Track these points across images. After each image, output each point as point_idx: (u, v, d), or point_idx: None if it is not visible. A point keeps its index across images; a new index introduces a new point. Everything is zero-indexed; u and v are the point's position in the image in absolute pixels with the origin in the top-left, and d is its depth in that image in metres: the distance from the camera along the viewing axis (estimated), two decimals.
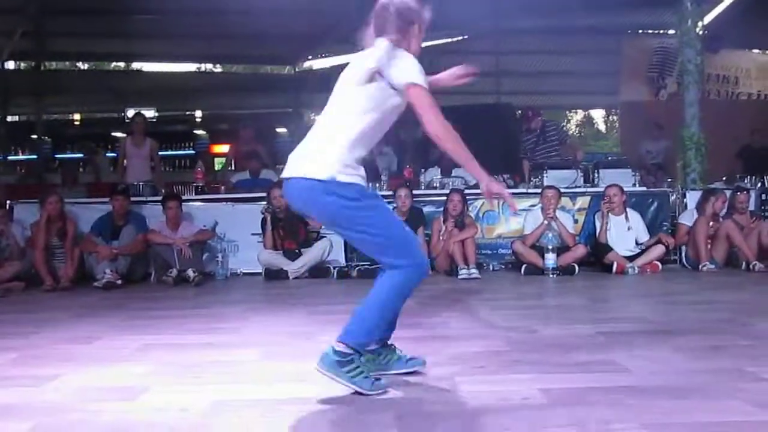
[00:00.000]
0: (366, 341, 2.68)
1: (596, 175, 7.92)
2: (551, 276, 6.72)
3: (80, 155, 12.82)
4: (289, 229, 7.16)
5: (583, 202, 7.72)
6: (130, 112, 13.09)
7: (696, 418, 2.30)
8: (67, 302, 5.73)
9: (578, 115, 33.90)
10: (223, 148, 12.32)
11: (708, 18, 11.57)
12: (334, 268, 7.12)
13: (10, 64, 16.87)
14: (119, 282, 6.59)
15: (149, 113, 14.40)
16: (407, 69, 2.66)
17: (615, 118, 25.81)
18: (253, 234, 7.49)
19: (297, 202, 2.73)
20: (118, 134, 13.44)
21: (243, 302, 5.55)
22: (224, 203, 7.83)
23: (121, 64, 21.13)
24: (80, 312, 5.13)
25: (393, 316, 2.75)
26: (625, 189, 7.26)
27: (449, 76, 3.24)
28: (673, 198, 7.94)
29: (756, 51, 14.11)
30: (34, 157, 14.97)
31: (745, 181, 8.22)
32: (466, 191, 7.30)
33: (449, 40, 16.04)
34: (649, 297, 5.59)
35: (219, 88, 17.93)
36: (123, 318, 4.77)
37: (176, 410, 2.50)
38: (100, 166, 10.90)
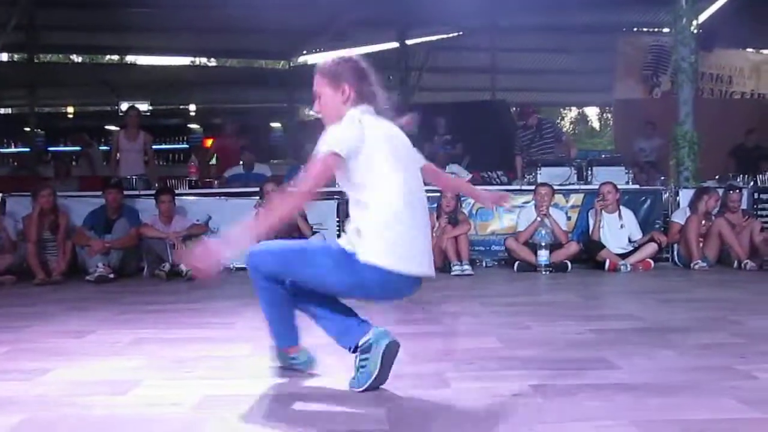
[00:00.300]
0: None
1: (590, 172, 7.94)
2: (544, 273, 6.74)
3: (74, 148, 12.77)
4: (282, 224, 7.14)
5: (576, 199, 7.73)
6: (124, 106, 13.05)
7: (687, 415, 2.31)
8: (59, 296, 5.72)
9: (572, 113, 33.94)
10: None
11: (703, 16, 11.60)
12: None
13: (3, 56, 16.82)
14: (112, 276, 6.58)
15: (143, 107, 14.38)
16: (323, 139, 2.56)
17: (609, 115, 25.89)
18: None
19: None
20: (112, 127, 13.41)
21: (236, 297, 5.54)
22: (217, 197, 7.82)
23: (115, 57, 21.01)
24: (72, 306, 5.11)
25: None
26: (618, 187, 7.29)
27: (489, 198, 3.28)
28: (666, 196, 7.97)
29: (750, 50, 14.15)
30: (27, 149, 14.92)
31: (738, 179, 8.26)
32: None
33: (444, 36, 16.05)
34: (641, 295, 5.61)
35: (213, 82, 17.92)
36: (115, 312, 4.76)
37: (168, 404, 2.49)
38: (95, 160, 10.86)
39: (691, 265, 7.04)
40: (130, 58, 19.47)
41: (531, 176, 7.94)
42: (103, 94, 17.30)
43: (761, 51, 14.30)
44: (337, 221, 7.56)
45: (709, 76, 13.12)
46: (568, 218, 7.58)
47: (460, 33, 15.72)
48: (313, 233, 7.19)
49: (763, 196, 7.92)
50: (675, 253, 7.46)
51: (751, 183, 8.14)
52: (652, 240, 7.14)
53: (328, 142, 2.50)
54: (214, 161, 9.15)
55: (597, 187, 7.36)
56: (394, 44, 15.89)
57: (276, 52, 17.65)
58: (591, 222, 7.19)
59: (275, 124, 17.71)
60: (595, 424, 2.24)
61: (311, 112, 2.68)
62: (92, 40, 15.87)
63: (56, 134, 15.60)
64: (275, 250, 2.64)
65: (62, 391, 2.72)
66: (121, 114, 12.95)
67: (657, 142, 10.51)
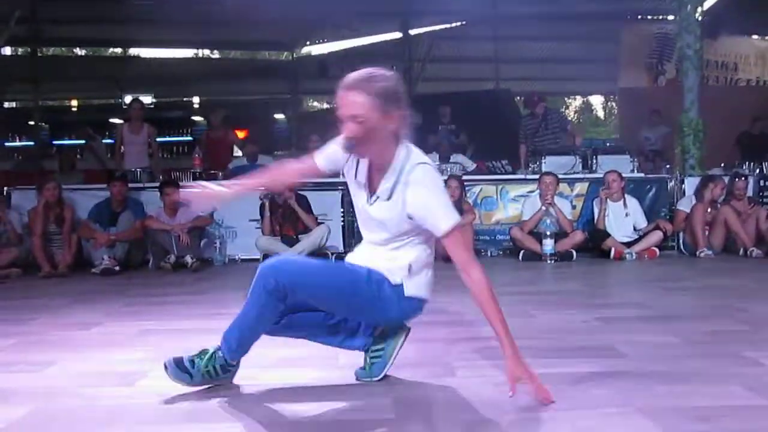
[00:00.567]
0: None
1: (594, 161, 7.91)
2: (549, 262, 6.73)
3: (78, 141, 12.77)
4: (287, 216, 7.15)
5: (581, 188, 7.71)
6: (128, 99, 13.03)
7: (693, 402, 2.31)
8: (65, 288, 5.74)
9: (577, 102, 33.84)
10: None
11: (707, 3, 11.53)
12: (332, 253, 7.12)
13: (7, 50, 16.80)
14: (117, 268, 6.60)
15: (147, 99, 14.37)
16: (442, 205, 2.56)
17: (614, 104, 25.78)
18: (251, 220, 7.49)
19: None
20: (116, 120, 13.41)
21: (241, 288, 5.51)
22: None
23: (118, 51, 21.01)
24: (78, 298, 5.13)
25: None
26: (623, 175, 7.26)
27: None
28: (671, 184, 7.94)
29: (755, 37, 14.06)
30: (32, 143, 14.94)
31: (744, 167, 8.22)
32: (464, 177, 7.28)
33: (447, 26, 15.98)
34: (646, 283, 5.60)
35: (217, 74, 17.88)
36: (121, 304, 4.77)
37: (174, 395, 2.50)
38: (100, 153, 10.85)
39: (697, 253, 7.02)
40: (133, 51, 19.47)
41: (535, 165, 7.92)
42: (107, 87, 17.31)
43: (767, 38, 14.21)
44: (342, 212, 7.57)
45: (714, 63, 13.05)
46: (573, 207, 7.56)
47: (463, 22, 15.65)
48: (319, 224, 7.19)
49: None
50: (680, 241, 7.44)
51: (757, 171, 8.10)
52: (657, 228, 7.12)
53: (451, 213, 2.48)
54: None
55: (602, 175, 7.33)
56: (398, 34, 15.85)
57: (279, 44, 17.60)
58: (596, 211, 7.18)
59: (279, 116, 17.70)
60: (602, 411, 2.24)
61: (343, 142, 2.30)
62: (95, 33, 15.86)
63: (61, 128, 15.62)
64: (304, 263, 2.54)
65: (69, 383, 2.73)
66: (124, 107, 12.93)
67: (662, 131, 10.47)
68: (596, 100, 33.36)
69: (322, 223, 7.19)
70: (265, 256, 7.05)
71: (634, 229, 7.20)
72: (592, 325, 3.65)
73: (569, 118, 16.82)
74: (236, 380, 2.70)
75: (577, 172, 7.84)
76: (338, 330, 2.64)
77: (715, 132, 8.91)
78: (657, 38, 12.92)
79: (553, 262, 6.74)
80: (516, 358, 2.31)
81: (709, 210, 7.18)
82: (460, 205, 7.07)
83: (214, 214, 7.48)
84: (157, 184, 7.42)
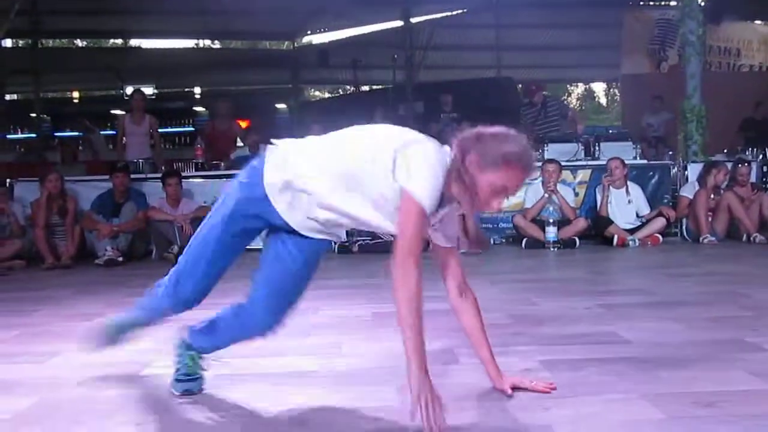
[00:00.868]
0: None
1: (597, 148, 7.89)
2: (552, 249, 6.73)
3: (77, 133, 12.79)
4: None
5: (584, 175, 7.70)
6: (129, 90, 13.00)
7: (697, 388, 2.31)
8: (69, 280, 5.75)
9: (579, 89, 33.76)
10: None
11: None
12: (335, 243, 7.11)
13: (7, 42, 16.77)
14: (120, 259, 6.61)
15: (148, 90, 14.33)
16: None
17: (616, 91, 25.72)
18: None
19: None
20: (118, 112, 13.39)
21: (244, 278, 5.53)
22: (224, 179, 7.81)
23: (119, 41, 20.97)
24: (82, 289, 5.14)
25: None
26: (626, 162, 7.25)
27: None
28: (674, 171, 7.92)
29: (758, 22, 14.01)
30: (34, 135, 14.94)
31: (747, 153, 8.20)
32: None
33: (449, 13, 15.93)
34: (649, 269, 5.60)
35: (218, 64, 17.85)
36: (125, 295, 4.77)
37: None
38: (97, 145, 10.85)
39: (700, 239, 7.01)
40: (133, 42, 19.45)
41: (538, 153, 7.90)
42: (108, 78, 17.28)
43: None
44: None
45: (717, 49, 12.99)
46: (576, 194, 7.55)
47: (464, 10, 15.59)
48: None
49: None
50: (684, 227, 7.42)
51: (760, 156, 8.07)
52: (660, 215, 7.11)
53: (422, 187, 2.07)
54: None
55: (605, 162, 7.31)
56: (398, 23, 15.79)
57: (280, 33, 17.56)
58: (599, 198, 7.17)
59: (280, 106, 17.67)
60: (605, 397, 2.24)
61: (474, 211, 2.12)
62: (95, 24, 15.83)
63: (62, 120, 15.62)
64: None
65: (73, 374, 2.74)
66: (126, 98, 12.92)
67: (665, 117, 10.44)
68: (599, 87, 33.33)
69: None
70: None
71: (637, 215, 7.18)
72: (595, 312, 3.65)
73: (570, 105, 16.73)
74: (239, 368, 2.71)
75: (580, 160, 7.82)
76: None
77: (718, 118, 8.88)
78: (659, 24, 12.87)
79: (555, 249, 6.74)
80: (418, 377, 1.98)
81: (712, 196, 7.16)
82: None
83: None
84: (160, 175, 7.41)
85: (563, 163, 7.35)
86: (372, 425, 2.09)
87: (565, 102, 10.22)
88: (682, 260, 6.01)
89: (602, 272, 5.60)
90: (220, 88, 18.03)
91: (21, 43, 17.77)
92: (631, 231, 6.99)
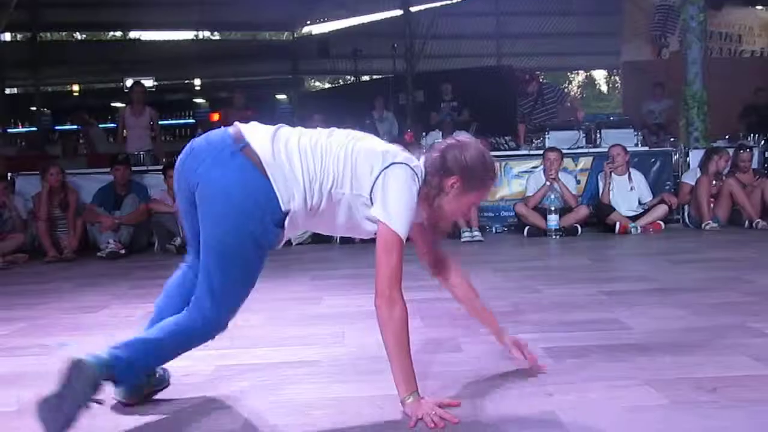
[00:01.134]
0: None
1: (598, 135, 7.87)
2: (554, 237, 6.72)
3: (77, 127, 12.78)
4: None
5: (585, 162, 7.69)
6: (129, 82, 12.99)
7: (699, 373, 2.32)
8: (72, 273, 5.75)
9: (580, 77, 33.67)
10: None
11: None
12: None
13: (6, 36, 16.75)
14: (123, 252, 6.61)
15: (148, 82, 14.31)
16: None
17: (617, 78, 25.64)
18: None
19: None
20: (118, 104, 13.39)
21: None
22: None
23: (118, 34, 20.95)
24: (85, 282, 5.15)
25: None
26: (627, 149, 7.24)
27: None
28: (675, 157, 7.90)
29: (759, 8, 13.92)
30: (34, 129, 14.94)
31: (749, 139, 8.18)
32: None
33: (448, 2, 15.89)
34: (652, 256, 5.60)
35: (217, 55, 17.84)
36: (128, 287, 4.79)
37: (181, 375, 2.51)
38: (95, 139, 10.83)
39: (702, 225, 7.01)
40: (133, 35, 19.42)
41: (539, 141, 7.89)
42: (108, 71, 17.29)
43: None
44: None
45: (718, 34, 12.92)
46: (578, 182, 7.54)
47: None
48: None
49: None
50: (686, 214, 7.41)
51: (762, 142, 8.06)
52: (662, 202, 7.10)
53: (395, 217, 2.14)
54: None
55: (606, 150, 7.30)
56: (398, 12, 15.75)
57: (279, 23, 17.52)
58: (601, 185, 7.15)
59: (281, 96, 17.66)
60: (608, 383, 2.25)
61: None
62: (95, 17, 15.81)
63: (62, 113, 15.62)
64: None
65: None
66: (126, 91, 12.91)
67: (666, 104, 10.41)
68: (599, 75, 33.21)
69: None
70: None
71: (639, 203, 7.17)
72: (597, 299, 3.65)
73: (569, 92, 16.65)
74: (245, 359, 2.72)
75: (581, 147, 7.81)
76: None
77: (720, 104, 8.84)
78: (660, 10, 12.80)
79: (557, 237, 6.73)
80: (411, 404, 2.02)
81: (714, 182, 7.15)
82: None
83: None
84: (161, 167, 7.41)
85: (564, 151, 7.34)
86: (375, 414, 2.10)
87: (563, 89, 10.14)
88: (685, 247, 6.00)
89: (604, 259, 5.60)
90: (220, 79, 18.02)
91: (20, 36, 17.74)
92: (633, 218, 6.99)
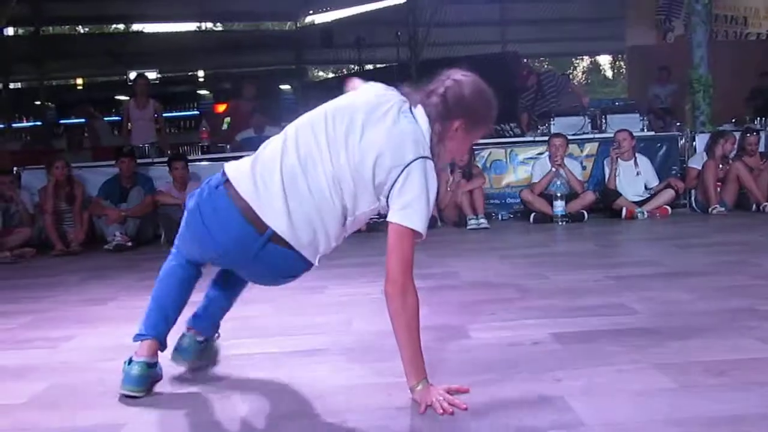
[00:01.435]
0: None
1: (604, 120, 7.84)
2: (560, 223, 6.71)
3: (82, 120, 12.80)
4: None
5: (591, 148, 7.65)
6: (132, 75, 12.98)
7: (708, 356, 2.31)
8: (79, 266, 5.77)
9: (585, 62, 33.51)
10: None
11: None
12: None
13: (9, 31, 16.75)
14: (129, 244, 6.62)
15: (151, 75, 14.32)
16: None
17: (622, 63, 25.51)
18: None
19: None
20: (122, 97, 13.39)
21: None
22: (230, 162, 7.80)
23: (121, 27, 20.93)
24: (92, 274, 5.16)
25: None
26: (633, 134, 7.20)
27: None
28: (682, 142, 7.86)
29: None
30: (39, 123, 14.96)
31: (755, 122, 8.13)
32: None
33: None
34: (658, 241, 5.58)
35: (220, 46, 17.81)
36: (135, 279, 4.80)
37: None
38: (99, 132, 10.84)
39: (709, 210, 6.98)
40: (135, 27, 19.40)
41: (544, 127, 7.86)
42: (111, 64, 17.27)
43: None
44: None
45: (723, 17, 12.83)
46: (584, 168, 7.51)
47: None
48: None
49: None
50: (692, 198, 7.38)
51: None
52: (668, 186, 7.07)
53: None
54: (225, 126, 9.06)
55: (612, 135, 7.27)
56: (402, 0, 15.68)
57: (282, 13, 17.48)
58: (607, 170, 7.13)
59: (285, 86, 17.63)
60: (617, 368, 2.24)
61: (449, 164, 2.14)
62: (97, 10, 15.81)
63: (67, 107, 15.63)
64: None
65: (86, 357, 2.76)
66: (130, 83, 12.91)
67: (671, 88, 10.35)
68: (604, 60, 33.03)
69: None
70: None
71: (646, 187, 7.15)
72: (605, 283, 3.64)
73: (570, 78, 16.48)
74: (251, 347, 2.72)
75: (587, 133, 7.77)
76: None
77: (726, 87, 8.79)
78: None
79: (564, 223, 6.72)
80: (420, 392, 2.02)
81: (720, 166, 7.12)
82: (470, 169, 7.04)
83: None
84: (166, 159, 7.41)
85: (570, 137, 7.30)
86: (384, 400, 2.10)
87: (564, 75, 10.03)
88: (692, 231, 5.98)
89: (611, 245, 5.59)
90: (224, 70, 18.00)
91: (22, 31, 17.74)
92: (640, 203, 6.97)
